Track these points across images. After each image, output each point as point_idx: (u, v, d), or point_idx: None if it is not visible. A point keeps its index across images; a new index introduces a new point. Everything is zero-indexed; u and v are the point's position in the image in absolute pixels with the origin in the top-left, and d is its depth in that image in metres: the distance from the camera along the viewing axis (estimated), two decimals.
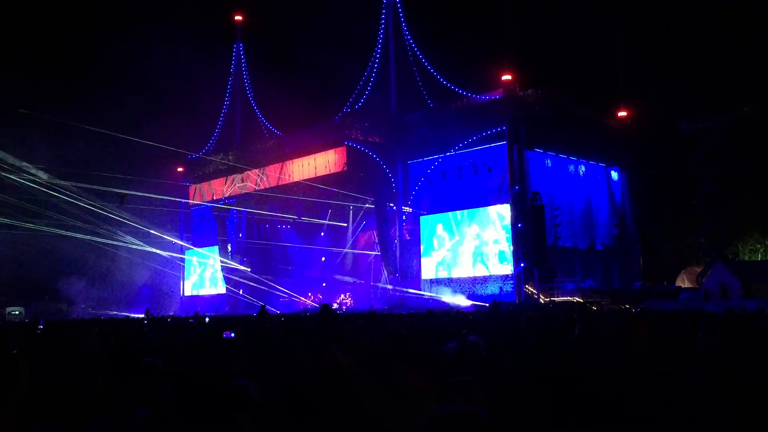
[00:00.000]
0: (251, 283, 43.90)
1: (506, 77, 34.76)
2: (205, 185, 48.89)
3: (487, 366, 4.03)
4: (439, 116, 37.35)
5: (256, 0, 51.93)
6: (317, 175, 39.66)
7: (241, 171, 45.28)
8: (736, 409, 3.41)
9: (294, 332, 9.14)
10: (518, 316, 12.68)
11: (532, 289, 32.84)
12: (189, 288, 53.04)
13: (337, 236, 44.35)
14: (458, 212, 37.34)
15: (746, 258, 42.41)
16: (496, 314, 14.20)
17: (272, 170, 42.81)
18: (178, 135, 45.81)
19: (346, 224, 43.68)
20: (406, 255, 39.59)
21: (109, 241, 41.98)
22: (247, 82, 52.60)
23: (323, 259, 44.70)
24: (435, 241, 38.62)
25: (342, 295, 40.68)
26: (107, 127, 37.37)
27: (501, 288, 34.70)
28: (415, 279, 38.68)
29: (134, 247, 43.35)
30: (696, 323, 9.92)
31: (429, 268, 38.74)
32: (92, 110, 44.45)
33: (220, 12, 53.85)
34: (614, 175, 40.87)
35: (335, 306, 37.02)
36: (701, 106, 35.93)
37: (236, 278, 45.56)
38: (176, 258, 49.84)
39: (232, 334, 7.83)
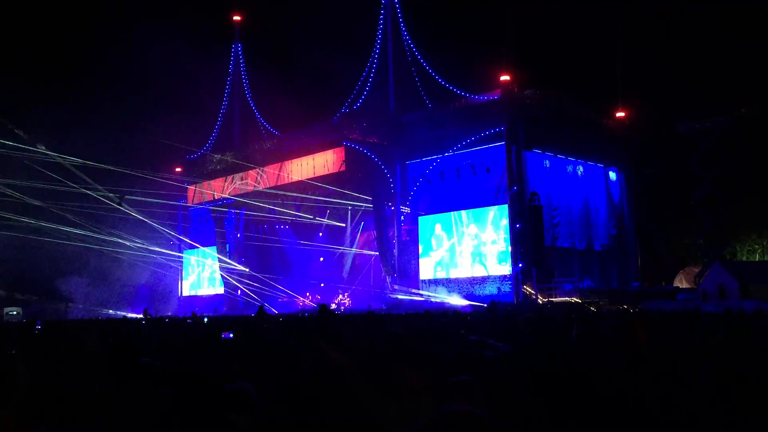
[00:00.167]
0: (250, 281, 43.86)
1: (505, 77, 34.79)
2: (203, 185, 48.87)
3: (486, 366, 4.04)
4: (437, 116, 37.36)
5: (254, 0, 51.99)
6: (316, 175, 39.65)
7: (239, 171, 45.26)
8: (736, 409, 3.42)
9: (293, 332, 9.14)
10: (516, 316, 12.69)
11: (530, 290, 32.85)
12: (187, 288, 53.01)
13: (335, 236, 44.34)
14: (457, 212, 37.35)
15: (744, 258, 42.47)
16: (493, 314, 14.21)
17: (270, 170, 42.79)
18: (177, 135, 45.84)
19: (344, 224, 43.67)
20: (404, 255, 39.59)
21: (108, 241, 41.93)
22: (245, 82, 52.63)
23: (321, 259, 44.69)
24: (433, 242, 38.63)
25: (340, 296, 40.66)
26: (106, 126, 37.40)
27: (499, 288, 34.72)
28: (413, 279, 38.68)
29: (132, 247, 43.31)
30: (694, 324, 9.93)
31: (427, 269, 38.75)
32: (91, 110, 44.51)
33: (219, 12, 53.91)
34: (612, 175, 40.89)
35: (333, 306, 37.02)
36: (700, 106, 35.99)
37: (234, 278, 45.53)
38: (174, 258, 49.80)
39: (231, 335, 7.83)
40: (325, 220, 43.15)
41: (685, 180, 37.90)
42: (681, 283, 36.98)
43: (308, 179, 39.83)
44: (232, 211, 47.49)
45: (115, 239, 41.97)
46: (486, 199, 36.00)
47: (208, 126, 52.50)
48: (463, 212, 37.07)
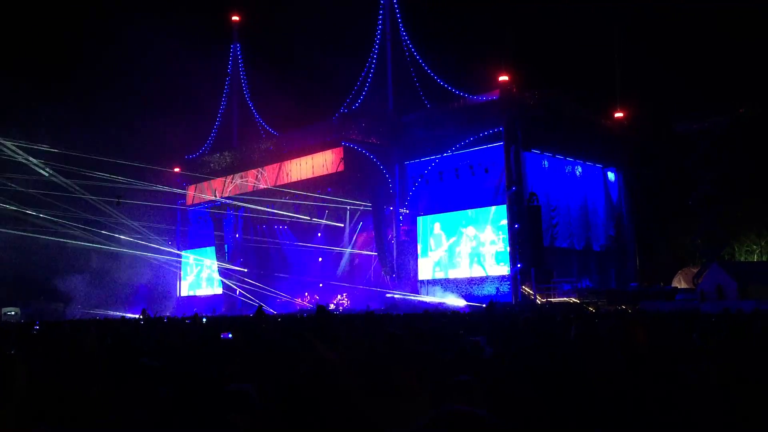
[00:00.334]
0: (248, 281, 43.83)
1: (503, 78, 34.79)
2: (202, 185, 48.82)
3: (486, 366, 4.04)
4: (436, 117, 37.37)
5: (253, 0, 52.00)
6: (314, 175, 39.65)
7: (238, 171, 45.23)
8: (736, 409, 3.42)
9: (291, 333, 9.13)
10: (515, 316, 12.70)
11: (528, 290, 32.85)
12: (186, 288, 52.96)
13: (334, 237, 44.31)
14: (455, 213, 37.34)
15: (742, 259, 42.48)
16: (492, 315, 14.20)
17: (269, 171, 42.79)
18: (176, 135, 45.87)
19: (343, 225, 43.65)
20: (403, 256, 39.57)
21: (106, 240, 41.88)
22: (244, 83, 52.61)
23: (320, 259, 44.67)
24: (432, 242, 38.63)
25: (339, 296, 40.64)
26: (105, 126, 37.38)
27: (498, 289, 34.72)
28: (412, 280, 38.69)
29: (131, 247, 43.27)
30: (692, 324, 9.94)
31: (426, 269, 38.74)
32: (90, 110, 44.49)
33: (218, 12, 53.93)
34: (611, 175, 40.91)
35: (332, 307, 37.00)
36: (698, 106, 36.05)
37: (233, 279, 45.50)
38: (173, 258, 49.75)
39: (230, 335, 7.83)
40: (324, 221, 43.14)
41: (683, 180, 37.93)
42: (679, 283, 36.97)
43: (307, 180, 39.84)
44: (231, 211, 47.45)
45: (114, 240, 41.95)
46: (485, 199, 36.00)
47: (207, 126, 52.51)
48: (462, 212, 37.07)
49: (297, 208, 42.70)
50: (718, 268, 30.44)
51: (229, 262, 46.75)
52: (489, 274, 35.77)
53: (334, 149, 38.81)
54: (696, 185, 36.29)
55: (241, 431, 2.96)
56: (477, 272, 36.32)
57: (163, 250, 46.84)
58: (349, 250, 43.48)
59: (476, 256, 36.54)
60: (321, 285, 42.68)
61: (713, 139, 35.38)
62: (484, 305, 23.73)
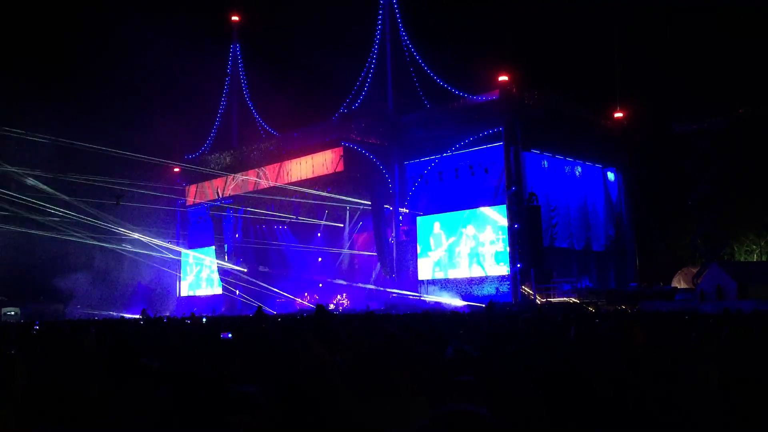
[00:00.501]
0: (249, 279, 43.82)
1: (503, 78, 34.82)
2: (203, 185, 48.82)
3: (486, 366, 4.04)
4: (436, 117, 37.39)
5: (253, 0, 52.00)
6: (314, 175, 39.66)
7: (237, 171, 45.23)
8: (736, 410, 3.42)
9: (291, 333, 9.12)
10: (515, 316, 12.69)
11: (528, 290, 32.86)
12: (185, 288, 52.95)
13: (333, 237, 44.33)
14: (455, 213, 37.35)
15: (742, 259, 42.53)
16: (491, 315, 14.21)
17: (269, 171, 42.81)
18: (176, 135, 45.85)
19: (342, 225, 43.66)
20: (402, 256, 39.58)
21: (106, 241, 41.88)
22: (244, 83, 52.61)
23: (320, 259, 44.68)
24: (431, 242, 38.63)
25: (338, 296, 40.65)
26: (105, 126, 37.37)
27: (497, 289, 34.73)
28: (411, 280, 38.69)
29: (131, 247, 43.26)
30: (692, 324, 9.94)
31: (425, 269, 38.75)
32: (90, 110, 44.48)
33: (218, 12, 53.93)
34: (610, 176, 40.94)
35: (332, 307, 37.00)
36: (697, 107, 36.08)
37: (232, 279, 45.49)
38: (173, 258, 49.73)
39: (230, 335, 7.83)
40: (324, 221, 43.15)
41: (683, 180, 37.97)
42: (679, 283, 37.00)
43: (307, 180, 39.84)
44: (231, 211, 47.44)
45: (113, 240, 41.93)
46: (484, 199, 36.01)
47: (207, 126, 52.52)
48: (462, 213, 37.07)
49: (297, 208, 42.72)
50: (718, 268, 30.49)
51: (229, 262, 46.76)
52: (488, 274, 35.78)
53: (333, 149, 38.84)
54: (695, 185, 36.33)
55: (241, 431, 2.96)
56: (477, 272, 36.32)
57: (163, 249, 46.83)
58: (344, 250, 43.49)
59: (476, 256, 36.54)
60: (321, 285, 42.71)
61: (712, 139, 35.42)
62: (483, 305, 23.77)
